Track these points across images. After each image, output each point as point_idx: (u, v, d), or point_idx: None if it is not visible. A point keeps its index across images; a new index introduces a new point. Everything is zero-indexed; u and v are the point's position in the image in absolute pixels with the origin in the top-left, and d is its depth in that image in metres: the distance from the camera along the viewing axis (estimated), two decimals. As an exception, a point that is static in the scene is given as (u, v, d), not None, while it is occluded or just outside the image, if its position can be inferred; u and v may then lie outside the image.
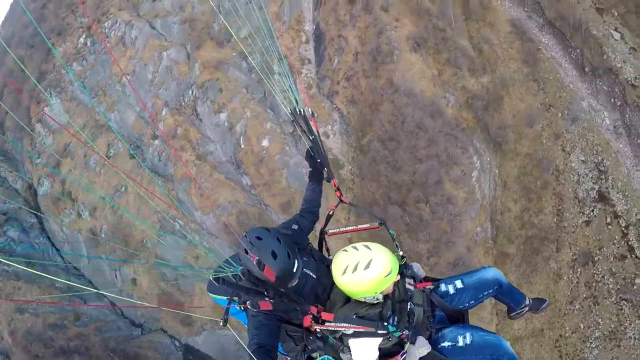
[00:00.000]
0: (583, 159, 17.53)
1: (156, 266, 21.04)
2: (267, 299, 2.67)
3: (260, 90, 24.57)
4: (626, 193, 17.35)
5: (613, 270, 16.84)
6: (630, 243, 16.86)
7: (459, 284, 3.56)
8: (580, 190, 17.63)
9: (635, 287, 16.47)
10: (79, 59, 24.02)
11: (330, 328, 3.03)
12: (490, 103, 18.51)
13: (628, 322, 16.29)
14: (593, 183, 17.49)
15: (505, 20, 19.71)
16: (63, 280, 2.92)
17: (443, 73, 19.51)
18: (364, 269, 2.92)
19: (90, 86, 23.44)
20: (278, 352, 3.32)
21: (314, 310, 2.92)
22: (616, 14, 20.97)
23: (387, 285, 3.07)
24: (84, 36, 24.67)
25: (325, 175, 3.83)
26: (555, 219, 17.98)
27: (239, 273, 2.36)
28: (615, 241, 16.73)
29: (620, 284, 16.32)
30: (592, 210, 17.31)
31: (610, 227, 17.07)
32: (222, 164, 24.14)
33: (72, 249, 23.38)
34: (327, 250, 3.89)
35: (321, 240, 3.98)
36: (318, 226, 3.64)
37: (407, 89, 18.87)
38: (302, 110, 3.66)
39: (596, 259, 16.78)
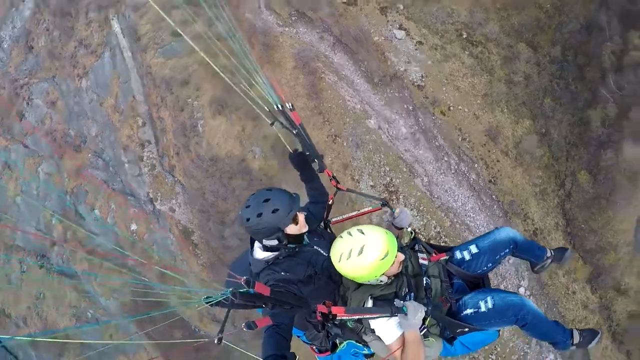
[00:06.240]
0: (372, 184, 17.46)
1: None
2: (267, 313, 2.65)
3: (119, 181, 27.32)
4: (421, 208, 16.88)
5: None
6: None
7: (473, 249, 3.52)
8: (374, 215, 16.30)
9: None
10: (-25, 188, 25.78)
11: (345, 317, 2.97)
12: (286, 146, 20.90)
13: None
14: (383, 206, 19.04)
15: (289, 56, 19.35)
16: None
17: (246, 127, 19.29)
18: (357, 255, 2.89)
19: (-6, 210, 25.08)
20: (302, 341, 3.43)
21: (322, 308, 2.82)
22: (401, 7, 19.23)
23: (387, 268, 2.97)
24: (-27, 167, 26.18)
25: (316, 168, 3.75)
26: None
27: (230, 296, 2.28)
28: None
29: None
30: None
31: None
32: (109, 252, 27.58)
33: (24, 354, 25.44)
34: None
35: (326, 229, 3.88)
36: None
37: (213, 157, 19.12)
38: (280, 106, 3.73)
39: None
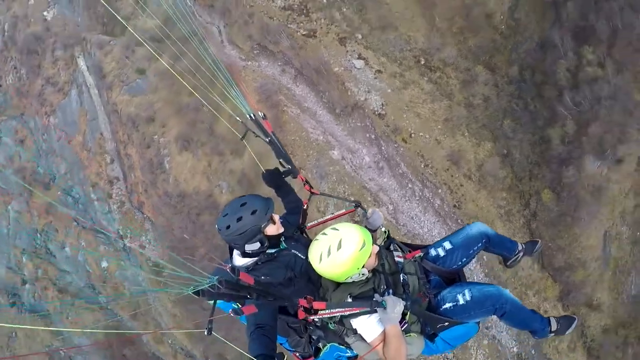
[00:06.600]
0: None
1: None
2: (251, 302, 2.60)
3: (88, 218, 27.21)
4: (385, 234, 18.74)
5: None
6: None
7: (447, 245, 3.56)
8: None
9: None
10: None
11: (326, 316, 2.97)
12: (252, 180, 18.29)
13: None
14: (353, 235, 19.12)
15: (252, 90, 19.38)
16: None
17: (212, 162, 19.33)
18: (337, 250, 2.91)
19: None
20: (285, 349, 3.42)
21: (303, 302, 2.82)
22: (360, 36, 19.35)
23: (366, 258, 2.98)
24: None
25: (291, 174, 3.79)
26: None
27: (216, 283, 2.26)
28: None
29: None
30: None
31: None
32: (81, 290, 27.24)
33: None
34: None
35: (302, 234, 3.88)
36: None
37: (180, 193, 18.98)
38: (253, 115, 3.77)
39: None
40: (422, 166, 17.39)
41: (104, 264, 22.58)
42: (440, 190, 17.19)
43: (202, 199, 19.29)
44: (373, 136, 18.06)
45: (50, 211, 23.54)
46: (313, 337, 3.35)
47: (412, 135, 17.76)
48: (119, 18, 20.69)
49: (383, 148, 17.86)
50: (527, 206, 18.67)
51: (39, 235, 24.16)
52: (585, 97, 19.15)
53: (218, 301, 2.88)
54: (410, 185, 17.67)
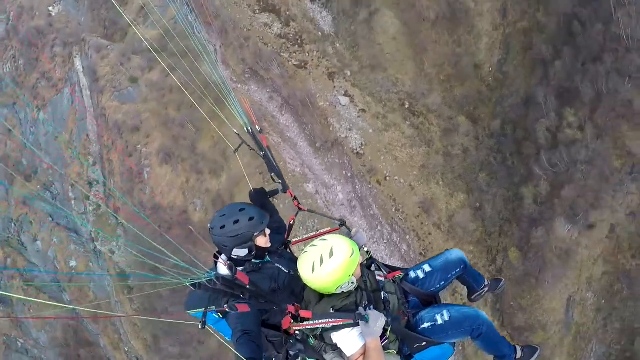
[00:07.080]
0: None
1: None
2: (244, 301, 2.67)
3: (64, 216, 27.38)
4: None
5: None
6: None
7: (427, 268, 3.66)
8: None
9: None
10: None
11: (309, 327, 3.00)
12: (226, 202, 18.00)
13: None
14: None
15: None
16: None
17: (190, 179, 19.58)
18: (329, 257, 2.98)
19: None
20: None
21: (291, 308, 2.90)
22: (349, 73, 19.49)
23: (355, 267, 3.07)
24: None
25: (280, 189, 3.86)
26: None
27: (213, 278, 2.30)
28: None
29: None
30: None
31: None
32: (47, 285, 27.18)
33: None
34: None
35: (286, 249, 3.92)
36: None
37: (154, 206, 19.18)
38: (250, 129, 3.80)
39: None
40: (394, 210, 17.50)
41: (73, 263, 22.61)
42: (408, 237, 17.28)
43: (175, 214, 19.39)
44: (349, 174, 18.20)
45: (27, 202, 23.63)
46: (291, 352, 3.34)
47: (387, 178, 17.89)
48: (127, 18, 20.97)
49: (357, 187, 17.98)
50: (493, 262, 18.71)
51: (13, 224, 24.23)
52: (562, 159, 19.15)
53: (198, 313, 3.02)
54: (379, 228, 17.77)
